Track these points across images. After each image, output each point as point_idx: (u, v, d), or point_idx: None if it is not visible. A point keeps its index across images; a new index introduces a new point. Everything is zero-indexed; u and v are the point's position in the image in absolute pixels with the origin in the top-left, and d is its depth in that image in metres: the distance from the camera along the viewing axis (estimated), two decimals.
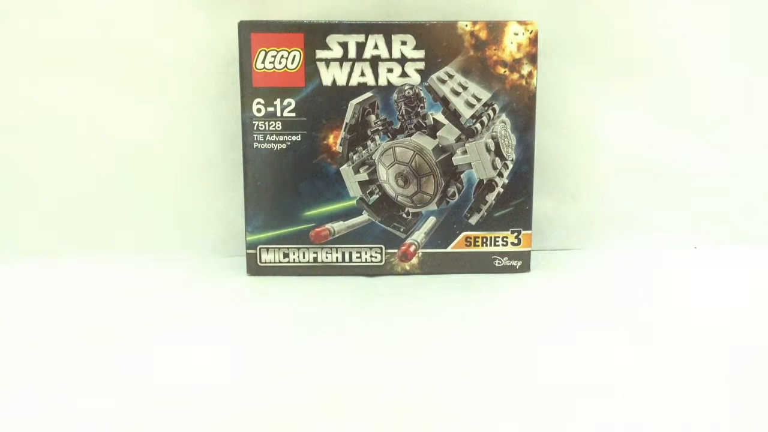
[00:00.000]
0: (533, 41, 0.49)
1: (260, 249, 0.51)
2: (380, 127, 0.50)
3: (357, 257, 0.51)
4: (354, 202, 0.51)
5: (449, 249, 0.51)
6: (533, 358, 0.38)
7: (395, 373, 0.36)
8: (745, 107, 0.58)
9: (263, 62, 0.49)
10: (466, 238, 0.51)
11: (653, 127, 0.57)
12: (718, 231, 0.59)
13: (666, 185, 0.58)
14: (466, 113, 0.50)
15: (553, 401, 0.33)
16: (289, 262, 0.51)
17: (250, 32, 0.49)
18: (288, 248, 0.51)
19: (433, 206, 0.51)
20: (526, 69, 0.50)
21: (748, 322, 0.43)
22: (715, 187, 0.59)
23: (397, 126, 0.50)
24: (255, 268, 0.51)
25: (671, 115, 0.57)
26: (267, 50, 0.49)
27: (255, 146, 0.50)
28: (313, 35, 0.49)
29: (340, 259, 0.51)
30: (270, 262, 0.51)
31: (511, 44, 0.49)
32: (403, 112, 0.50)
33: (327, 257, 0.51)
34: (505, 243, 0.52)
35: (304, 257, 0.51)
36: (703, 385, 0.35)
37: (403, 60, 0.49)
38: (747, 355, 0.38)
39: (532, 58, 0.50)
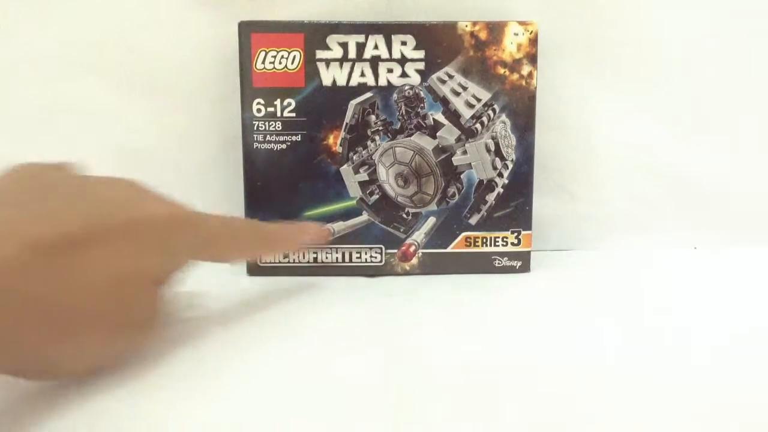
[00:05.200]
0: (533, 41, 0.49)
1: None
2: (380, 128, 0.50)
3: (357, 257, 0.51)
4: (354, 202, 0.51)
5: (449, 249, 0.51)
6: (532, 358, 0.38)
7: (392, 373, 0.36)
8: (745, 108, 0.58)
9: (263, 62, 0.49)
10: (466, 238, 0.51)
11: (653, 128, 0.57)
12: (717, 231, 0.59)
13: (666, 185, 0.58)
14: (466, 113, 0.50)
15: (552, 402, 0.33)
16: (289, 262, 0.51)
17: (250, 32, 0.49)
18: None
19: (433, 206, 0.51)
20: (526, 69, 0.50)
21: (747, 323, 0.43)
22: (715, 188, 0.58)
23: (397, 126, 0.50)
24: (255, 269, 0.51)
25: (671, 115, 0.57)
26: (267, 50, 0.49)
27: (255, 146, 0.50)
28: (313, 35, 0.49)
29: (340, 260, 0.51)
30: (270, 263, 0.51)
31: (511, 44, 0.49)
32: (403, 113, 0.50)
33: (327, 257, 0.51)
34: (505, 243, 0.52)
35: (304, 257, 0.51)
36: (702, 385, 0.34)
37: (403, 60, 0.49)
38: (746, 356, 0.38)
39: (532, 59, 0.49)
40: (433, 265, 0.52)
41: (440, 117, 0.50)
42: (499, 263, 0.52)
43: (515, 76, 0.50)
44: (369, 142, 0.50)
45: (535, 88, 0.50)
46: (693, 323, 0.42)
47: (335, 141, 0.50)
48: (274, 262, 0.51)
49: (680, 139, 0.57)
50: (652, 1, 0.56)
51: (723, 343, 0.39)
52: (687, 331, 0.41)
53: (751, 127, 0.58)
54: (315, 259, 0.51)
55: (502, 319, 0.44)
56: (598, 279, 0.51)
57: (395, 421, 0.31)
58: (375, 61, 0.49)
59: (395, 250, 0.51)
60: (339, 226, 0.51)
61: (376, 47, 0.49)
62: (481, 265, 0.52)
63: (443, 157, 0.50)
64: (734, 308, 0.45)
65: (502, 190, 0.51)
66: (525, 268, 0.52)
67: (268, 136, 0.50)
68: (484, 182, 0.51)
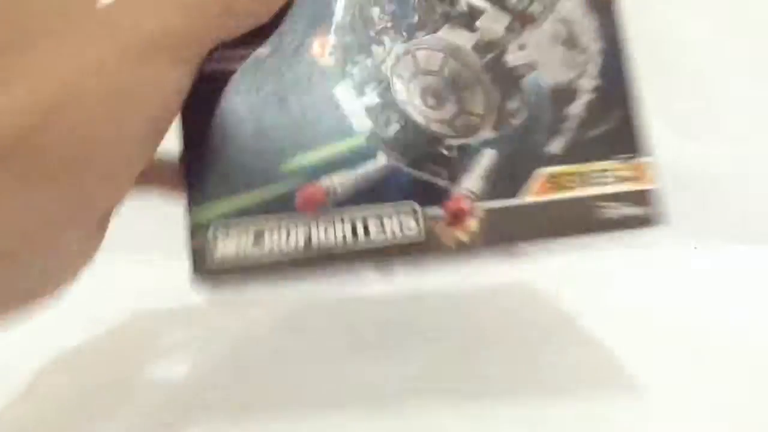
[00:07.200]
0: None
1: (215, 232, 0.30)
2: (389, 24, 0.33)
3: (377, 231, 0.31)
4: (363, 139, 0.31)
5: (525, 199, 0.31)
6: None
7: None
8: (746, 107, 0.57)
9: None
10: (549, 177, 0.32)
11: (653, 127, 0.48)
12: (718, 231, 0.55)
13: (665, 185, 0.48)
14: None
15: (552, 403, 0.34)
16: (263, 250, 0.30)
17: None
18: (262, 225, 0.31)
19: (487, 132, 0.32)
20: None
21: (747, 323, 0.42)
22: (715, 187, 0.57)
23: (415, 20, 0.33)
24: (208, 268, 0.30)
25: (671, 114, 0.54)
26: None
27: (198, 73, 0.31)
28: None
29: (348, 237, 0.31)
30: (233, 255, 0.30)
31: None
32: None
33: (327, 235, 0.31)
34: (613, 178, 0.32)
35: (289, 239, 0.31)
36: (701, 385, 0.35)
37: None
38: (746, 355, 0.38)
39: None
40: (505, 229, 0.31)
41: None
42: (611, 212, 0.32)
43: None
44: (374, 47, 0.32)
45: None
46: (693, 323, 0.42)
47: (322, 49, 0.32)
48: (240, 254, 0.30)
49: (680, 139, 0.56)
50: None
51: (723, 342, 0.39)
52: (687, 331, 0.40)
53: (752, 127, 0.57)
54: (308, 239, 0.30)
55: None
56: (598, 280, 0.48)
57: None
58: None
59: (439, 209, 0.31)
60: (341, 180, 0.31)
61: None
62: (581, 219, 0.31)
63: (491, 56, 0.32)
64: (733, 308, 0.44)
65: (591, 97, 0.33)
66: (653, 216, 0.32)
67: (215, 51, 0.32)
68: (561, 87, 0.32)
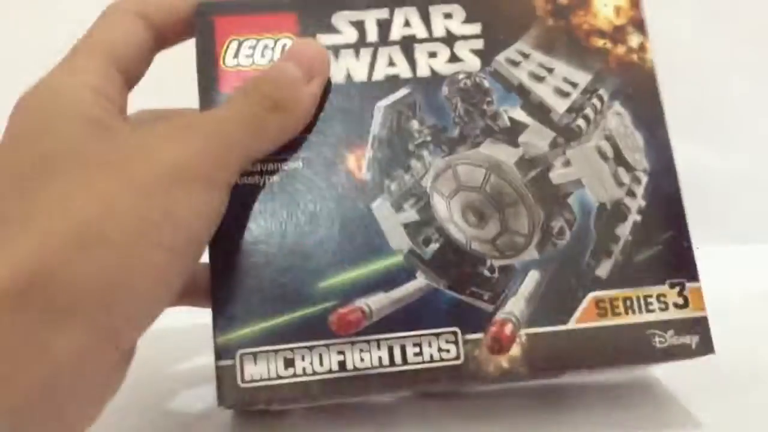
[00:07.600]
0: (635, 3, 0.34)
1: (242, 356, 0.29)
2: (428, 138, 0.31)
3: (415, 356, 0.29)
4: (400, 258, 0.30)
5: (571, 326, 0.30)
6: None
7: None
8: (746, 107, 0.57)
9: (236, 56, 0.32)
10: (596, 302, 0.30)
11: None
12: (718, 231, 0.52)
13: None
14: (559, 106, 0.32)
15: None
16: (295, 375, 0.29)
17: (213, 16, 0.32)
18: (292, 350, 0.29)
19: (531, 253, 0.30)
20: (634, 40, 0.33)
21: (748, 322, 0.41)
22: (716, 187, 0.54)
23: (455, 133, 0.31)
24: (234, 395, 0.28)
25: (672, 115, 0.52)
26: (241, 39, 0.32)
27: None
28: (310, 15, 0.32)
29: (385, 362, 0.29)
30: (262, 379, 0.28)
31: (605, 7, 0.33)
32: (462, 113, 0.32)
33: (361, 360, 0.29)
34: (662, 305, 0.30)
35: (321, 364, 0.29)
36: (702, 385, 0.33)
37: (450, 39, 0.32)
38: (747, 355, 0.37)
39: (639, 25, 0.33)
40: (549, 356, 0.29)
41: (520, 114, 0.32)
42: (661, 342, 0.30)
43: (621, 49, 0.33)
44: (413, 161, 0.31)
45: (653, 64, 0.33)
46: None
47: (358, 164, 0.31)
48: (270, 378, 0.28)
49: (681, 139, 0.54)
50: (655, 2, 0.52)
51: (724, 342, 0.33)
52: None
53: (752, 127, 0.57)
54: (341, 364, 0.29)
55: None
56: None
57: None
58: (408, 43, 0.32)
59: (480, 333, 0.29)
60: (378, 303, 0.29)
61: (407, 24, 0.33)
62: (630, 348, 0.30)
63: (534, 173, 0.31)
64: (734, 307, 0.41)
65: (639, 217, 0.31)
66: (703, 346, 0.30)
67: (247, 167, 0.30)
68: (608, 207, 0.31)
